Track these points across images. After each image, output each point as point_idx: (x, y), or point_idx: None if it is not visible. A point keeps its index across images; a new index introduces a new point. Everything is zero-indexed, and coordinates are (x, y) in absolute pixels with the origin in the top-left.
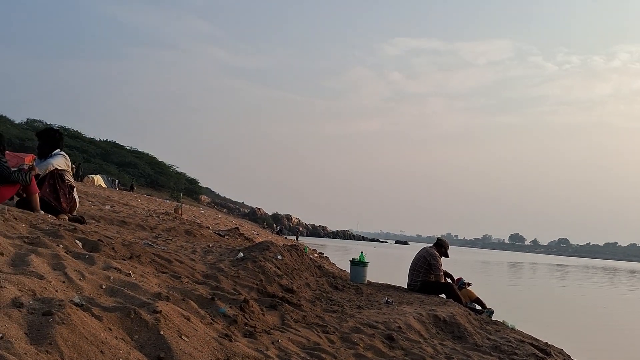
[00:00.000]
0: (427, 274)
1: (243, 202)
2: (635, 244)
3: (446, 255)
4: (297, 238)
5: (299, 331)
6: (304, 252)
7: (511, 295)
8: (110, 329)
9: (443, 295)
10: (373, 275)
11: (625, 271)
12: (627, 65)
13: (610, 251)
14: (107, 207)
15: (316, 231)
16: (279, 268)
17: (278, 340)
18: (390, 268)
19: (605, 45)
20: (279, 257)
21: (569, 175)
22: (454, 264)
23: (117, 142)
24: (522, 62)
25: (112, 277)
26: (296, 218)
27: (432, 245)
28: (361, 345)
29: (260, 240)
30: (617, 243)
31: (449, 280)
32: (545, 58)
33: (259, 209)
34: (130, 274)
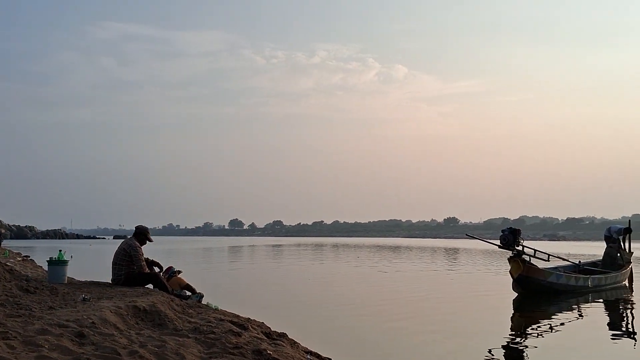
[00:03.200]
0: (130, 266)
1: None
2: (338, 221)
3: (149, 240)
4: None
5: None
6: None
7: (228, 278)
8: None
9: (151, 286)
10: (81, 273)
11: (330, 245)
12: (326, 62)
13: (318, 229)
14: None
15: (22, 232)
16: None
17: None
18: (102, 264)
19: (306, 42)
20: None
21: (281, 162)
22: (175, 254)
23: None
24: (233, 54)
25: None
26: None
27: (131, 236)
28: (46, 346)
29: None
30: (323, 221)
31: (156, 269)
32: (254, 52)
33: None
34: None
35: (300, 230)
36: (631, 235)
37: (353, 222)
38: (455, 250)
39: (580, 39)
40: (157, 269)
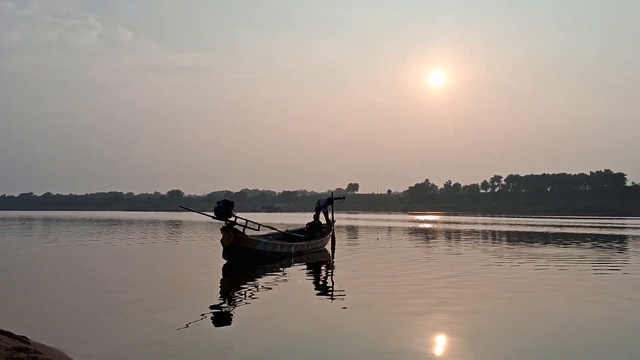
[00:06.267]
0: None
1: None
2: (50, 193)
3: None
4: None
5: None
6: None
7: None
8: None
9: None
10: None
11: (40, 219)
12: (40, 16)
13: (26, 201)
14: None
15: None
16: None
17: None
18: None
19: None
20: None
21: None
22: None
23: None
24: None
25: None
26: None
27: None
28: None
29: None
30: (32, 193)
31: None
32: None
33: None
34: None
35: (4, 203)
36: (333, 206)
37: (68, 194)
38: (178, 223)
39: (302, 27)
40: None
